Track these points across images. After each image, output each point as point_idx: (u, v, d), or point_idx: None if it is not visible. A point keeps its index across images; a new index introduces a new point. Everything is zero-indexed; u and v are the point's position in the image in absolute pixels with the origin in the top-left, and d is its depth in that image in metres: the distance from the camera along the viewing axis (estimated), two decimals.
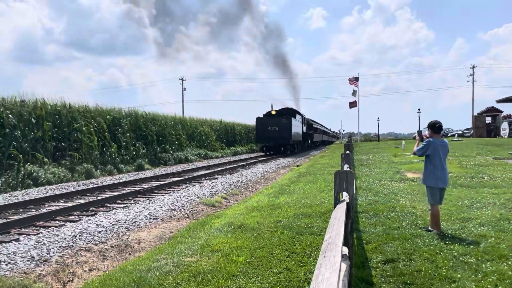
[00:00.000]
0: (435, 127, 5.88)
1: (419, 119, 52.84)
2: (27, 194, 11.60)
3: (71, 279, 5.16)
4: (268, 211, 7.59)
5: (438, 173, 5.77)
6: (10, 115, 14.62)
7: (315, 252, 4.87)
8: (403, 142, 29.13)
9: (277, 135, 30.56)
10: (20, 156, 14.09)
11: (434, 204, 5.77)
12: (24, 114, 15.32)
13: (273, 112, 32.87)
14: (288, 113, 33.78)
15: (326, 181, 11.52)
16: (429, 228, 5.73)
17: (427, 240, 5.24)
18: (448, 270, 4.20)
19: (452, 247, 4.95)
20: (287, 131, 30.58)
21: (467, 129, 48.35)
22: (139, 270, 4.64)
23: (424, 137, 6.27)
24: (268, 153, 31.86)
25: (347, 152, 7.71)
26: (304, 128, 39.28)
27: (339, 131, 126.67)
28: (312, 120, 47.44)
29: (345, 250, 3.16)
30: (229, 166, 19.66)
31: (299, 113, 37.07)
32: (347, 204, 3.24)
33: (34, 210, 8.93)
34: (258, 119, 31.77)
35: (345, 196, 3.38)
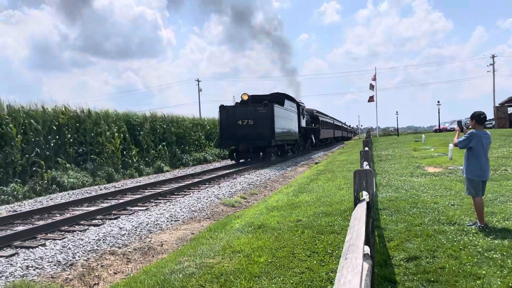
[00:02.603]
0: (479, 118, 5.68)
1: (438, 112, 51.98)
2: (51, 199, 11.87)
3: (96, 282, 5.28)
4: (288, 211, 7.59)
5: (482, 165, 5.62)
6: (33, 122, 15.01)
7: (337, 251, 4.86)
8: (423, 136, 28.71)
9: (252, 132, 20.28)
10: (42, 162, 14.42)
11: (476, 196, 5.65)
12: (47, 121, 15.68)
13: (245, 97, 21.51)
14: (273, 99, 22.83)
15: (346, 178, 11.45)
16: (478, 223, 5.56)
17: (450, 236, 5.17)
18: (472, 267, 4.14)
19: (476, 242, 4.87)
20: (267, 126, 20.26)
21: (489, 120, 47.31)
22: (162, 273, 4.71)
23: (464, 127, 6.13)
24: (240, 161, 21.76)
25: (366, 149, 7.65)
26: (303, 121, 28.95)
27: (357, 126, 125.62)
28: (318, 112, 38.12)
29: (367, 249, 3.15)
30: (248, 166, 19.71)
31: (293, 100, 26.62)
32: (368, 203, 3.23)
33: (58, 215, 9.14)
34: (221, 108, 21.06)
35: (365, 195, 3.36)
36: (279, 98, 23.77)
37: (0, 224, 8.20)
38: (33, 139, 14.65)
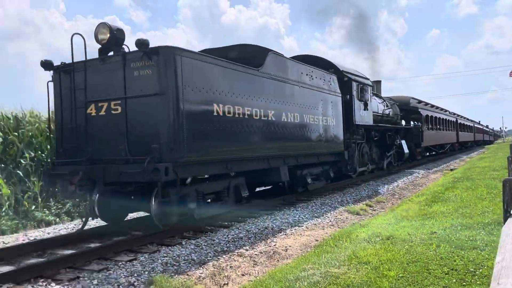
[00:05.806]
0: None
1: None
2: None
3: (226, 282, 5.53)
4: (420, 221, 7.02)
5: None
6: None
7: (481, 270, 4.30)
8: None
9: (118, 137, 6.50)
10: None
11: None
12: None
13: (103, 35, 6.39)
14: (241, 52, 9.30)
15: (488, 187, 10.19)
16: None
17: None
18: None
19: None
20: (157, 115, 6.22)
21: None
22: (287, 279, 4.72)
23: None
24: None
25: None
26: (365, 112, 13.81)
27: (500, 128, 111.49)
28: (420, 102, 24.02)
29: None
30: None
31: (325, 65, 12.25)
32: None
33: None
34: (55, 74, 7.04)
35: None
36: (260, 52, 9.22)
37: None
38: None
